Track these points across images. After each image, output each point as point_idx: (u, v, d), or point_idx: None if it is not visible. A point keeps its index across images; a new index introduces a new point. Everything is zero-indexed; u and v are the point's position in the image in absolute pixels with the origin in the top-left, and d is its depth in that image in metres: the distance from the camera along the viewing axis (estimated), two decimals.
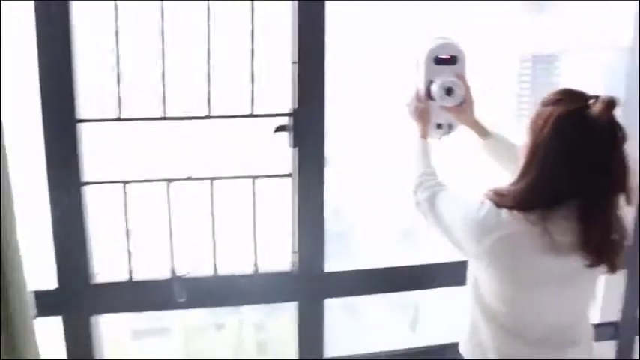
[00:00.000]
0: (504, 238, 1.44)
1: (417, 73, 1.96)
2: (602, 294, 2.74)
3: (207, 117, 2.07)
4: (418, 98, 1.93)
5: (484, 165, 1.93)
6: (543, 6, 12.76)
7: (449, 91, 1.86)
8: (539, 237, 1.41)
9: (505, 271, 1.48)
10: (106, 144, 2.12)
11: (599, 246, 1.41)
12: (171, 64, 2.02)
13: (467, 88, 1.90)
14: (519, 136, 1.56)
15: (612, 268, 1.46)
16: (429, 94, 1.92)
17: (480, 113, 1.94)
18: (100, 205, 2.11)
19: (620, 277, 2.65)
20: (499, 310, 1.54)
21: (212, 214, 2.18)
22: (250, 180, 2.17)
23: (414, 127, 1.95)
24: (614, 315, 2.70)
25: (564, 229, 1.41)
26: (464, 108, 1.90)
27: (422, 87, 1.93)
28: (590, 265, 1.43)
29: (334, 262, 2.25)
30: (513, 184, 1.47)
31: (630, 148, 1.39)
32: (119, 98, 2.01)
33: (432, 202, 1.66)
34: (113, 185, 2.11)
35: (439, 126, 1.96)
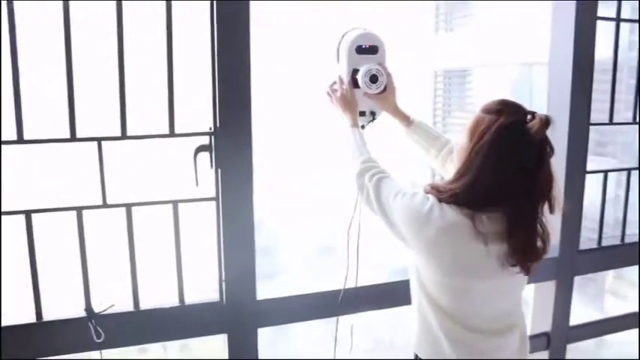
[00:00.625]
0: (444, 228, 1.52)
1: (340, 63, 1.97)
2: (533, 305, 2.79)
3: (122, 137, 1.87)
4: (342, 86, 1.95)
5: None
6: (453, 24, 13.27)
7: (373, 79, 1.91)
8: (473, 229, 1.50)
9: (445, 261, 1.56)
10: (5, 169, 1.86)
11: (522, 247, 1.53)
12: (81, 80, 1.82)
13: (388, 76, 1.97)
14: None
15: (526, 271, 1.58)
16: (353, 83, 1.94)
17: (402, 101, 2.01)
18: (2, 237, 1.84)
19: (550, 288, 2.68)
20: (443, 300, 1.61)
21: (130, 243, 1.97)
22: (171, 205, 1.98)
23: (340, 117, 1.95)
24: (546, 325, 2.72)
25: (494, 223, 1.52)
26: (386, 95, 1.97)
27: (345, 75, 1.94)
28: (513, 265, 1.55)
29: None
30: (451, 182, 1.57)
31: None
32: (19, 118, 1.77)
33: (377, 189, 1.69)
34: (16, 216, 1.85)
35: (362, 113, 1.98)
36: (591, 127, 2.58)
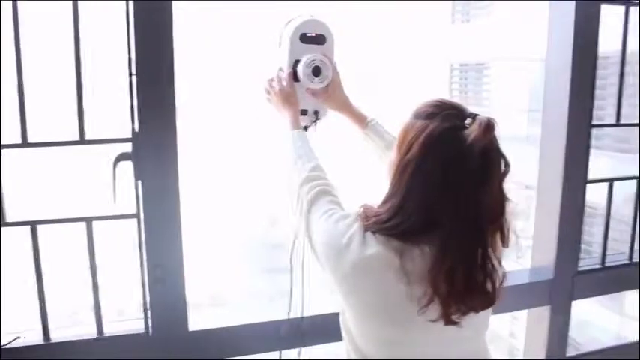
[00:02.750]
0: (360, 264, 1.20)
1: (281, 52, 1.67)
2: (525, 332, 2.47)
3: (23, 145, 1.57)
4: (282, 79, 1.64)
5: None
6: (470, 15, 12.90)
7: (316, 71, 1.61)
8: (399, 267, 1.18)
9: (364, 305, 1.24)
10: None
11: (460, 291, 1.19)
12: None
13: (334, 70, 1.66)
14: None
15: (448, 321, 1.21)
16: (294, 76, 1.64)
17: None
18: None
19: (544, 314, 2.35)
20: (372, 353, 1.29)
21: (37, 265, 1.68)
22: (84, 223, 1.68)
23: (279, 116, 1.65)
24: (540, 354, 2.39)
25: (422, 258, 1.19)
26: (331, 91, 1.68)
27: (286, 67, 1.64)
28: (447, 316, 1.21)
29: None
30: (380, 205, 1.27)
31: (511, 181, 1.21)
32: None
33: (311, 203, 1.38)
34: None
35: (303, 112, 1.68)
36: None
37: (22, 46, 1.51)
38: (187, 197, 1.71)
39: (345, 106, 1.72)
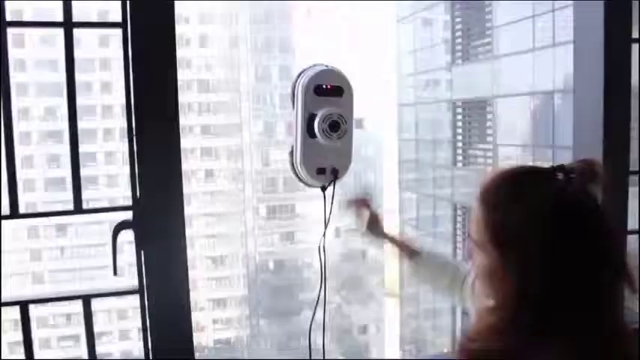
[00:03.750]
0: None
1: (294, 107, 1.52)
2: None
3: (12, 216, 1.40)
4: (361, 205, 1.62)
5: None
6: (470, 54, 12.93)
7: (334, 127, 1.45)
8: None
9: None
10: None
11: None
12: None
13: (373, 207, 1.64)
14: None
15: None
16: (308, 132, 1.48)
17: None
18: None
19: None
20: None
21: (26, 343, 1.49)
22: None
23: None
24: None
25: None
26: (372, 228, 1.60)
27: (300, 122, 1.49)
28: None
29: None
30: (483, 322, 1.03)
31: None
32: None
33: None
34: None
35: (320, 171, 1.51)
36: None
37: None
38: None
39: (388, 238, 1.62)
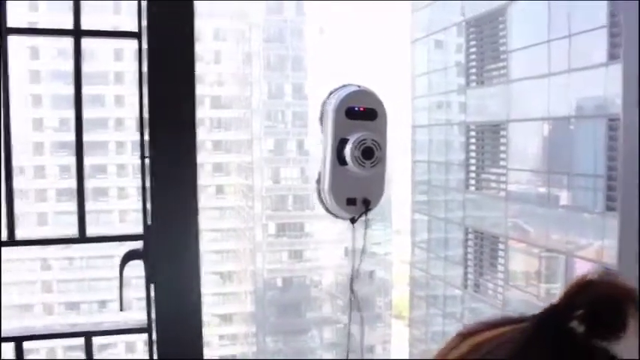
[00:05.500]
0: None
1: (323, 131, 1.41)
2: None
3: (10, 243, 1.30)
4: None
5: None
6: (484, 77, 12.87)
7: (367, 153, 1.33)
8: None
9: None
10: None
11: None
12: None
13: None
14: None
15: None
16: (338, 158, 1.36)
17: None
18: None
19: None
20: None
21: None
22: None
23: None
24: None
25: None
26: None
27: (329, 147, 1.38)
28: None
29: None
30: None
31: None
32: None
33: None
34: None
35: (351, 202, 1.39)
36: None
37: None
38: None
39: None
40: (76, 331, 1.35)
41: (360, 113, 1.35)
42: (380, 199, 1.41)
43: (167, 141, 1.27)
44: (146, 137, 1.25)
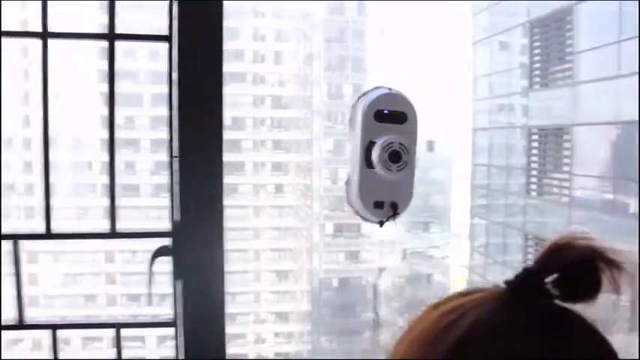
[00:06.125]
0: None
1: (352, 134, 1.40)
2: None
3: (46, 236, 1.35)
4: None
5: None
6: (548, 80, 12.51)
7: (394, 157, 1.31)
8: None
9: None
10: None
11: None
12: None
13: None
14: None
15: None
16: (366, 161, 1.35)
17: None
18: None
19: None
20: None
21: None
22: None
23: None
24: None
25: None
26: None
27: (358, 150, 1.36)
28: None
29: None
30: None
31: None
32: None
33: None
34: None
35: (378, 205, 1.37)
36: None
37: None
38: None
39: None
40: (106, 322, 1.40)
41: (389, 116, 1.34)
42: (408, 203, 1.39)
43: (195, 140, 1.29)
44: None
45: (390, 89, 1.37)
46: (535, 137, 13.14)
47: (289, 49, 27.06)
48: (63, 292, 22.74)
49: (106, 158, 1.33)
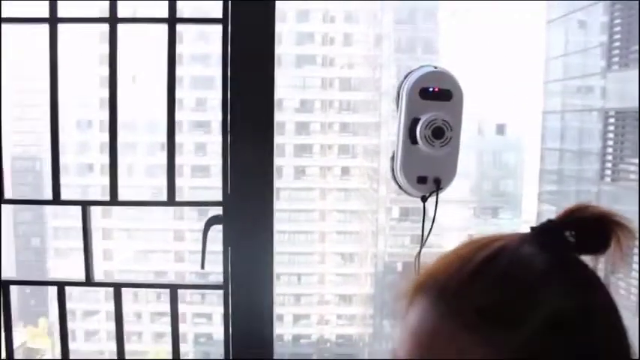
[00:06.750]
0: None
1: (398, 112, 1.43)
2: None
3: (111, 202, 1.47)
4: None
5: None
6: (629, 59, 11.92)
7: (437, 133, 1.35)
8: None
9: None
10: None
11: None
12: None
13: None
14: None
15: None
16: (410, 137, 1.38)
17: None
18: None
19: None
20: None
21: (119, 326, 1.56)
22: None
23: None
24: None
25: None
26: None
27: (402, 126, 1.40)
28: None
29: None
30: None
31: None
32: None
33: None
34: None
35: (421, 180, 1.41)
36: None
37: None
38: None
39: None
40: (163, 283, 1.51)
41: (434, 94, 1.36)
42: (452, 180, 1.42)
43: (247, 121, 1.37)
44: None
45: (435, 67, 1.40)
46: (611, 120, 12.59)
47: (359, 31, 26.92)
48: (135, 268, 23.88)
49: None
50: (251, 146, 1.37)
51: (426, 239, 1.42)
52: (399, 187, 1.44)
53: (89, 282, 1.48)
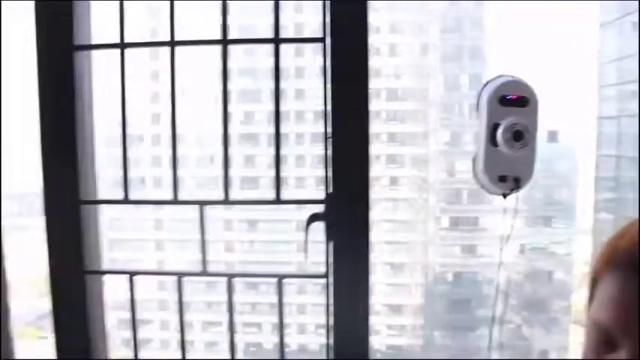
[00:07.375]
0: None
1: (479, 117, 1.67)
2: None
3: (225, 202, 1.69)
4: None
5: None
6: None
7: (517, 136, 1.56)
8: None
9: None
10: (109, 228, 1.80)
11: None
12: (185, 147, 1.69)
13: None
14: None
15: None
16: (492, 141, 1.59)
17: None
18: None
19: None
20: None
21: (230, 315, 1.77)
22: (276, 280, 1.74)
23: None
24: None
25: None
26: None
27: (483, 130, 1.63)
28: None
29: None
30: None
31: None
32: (125, 178, 1.71)
33: None
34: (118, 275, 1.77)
35: (502, 179, 1.61)
36: None
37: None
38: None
39: None
40: (270, 274, 1.71)
41: (512, 101, 1.53)
42: (530, 178, 1.57)
43: (345, 126, 1.56)
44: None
45: (512, 77, 1.57)
46: None
47: (404, 41, 27.00)
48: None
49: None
50: (350, 153, 1.56)
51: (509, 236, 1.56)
52: (481, 186, 1.61)
53: (205, 273, 1.69)
